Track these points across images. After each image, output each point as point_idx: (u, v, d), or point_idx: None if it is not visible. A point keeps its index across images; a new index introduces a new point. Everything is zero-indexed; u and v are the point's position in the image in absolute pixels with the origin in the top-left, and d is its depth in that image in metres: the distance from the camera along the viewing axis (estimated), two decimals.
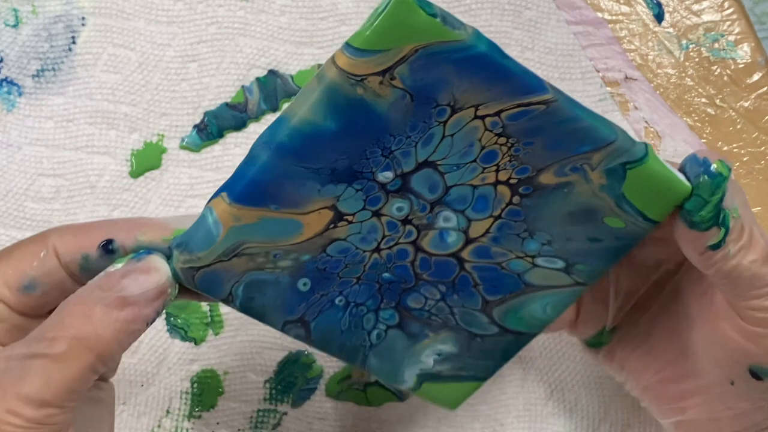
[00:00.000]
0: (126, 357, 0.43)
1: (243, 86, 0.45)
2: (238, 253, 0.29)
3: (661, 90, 0.46)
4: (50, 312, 0.29)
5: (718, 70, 0.46)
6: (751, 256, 0.30)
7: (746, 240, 0.30)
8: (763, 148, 0.46)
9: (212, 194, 0.29)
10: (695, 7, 0.47)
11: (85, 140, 0.43)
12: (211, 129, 0.44)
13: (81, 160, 0.43)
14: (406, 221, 0.29)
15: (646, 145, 0.29)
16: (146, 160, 0.43)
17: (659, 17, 0.47)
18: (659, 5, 0.47)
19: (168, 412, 0.43)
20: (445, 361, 0.32)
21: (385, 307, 0.31)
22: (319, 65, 0.44)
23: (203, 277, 0.29)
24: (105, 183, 0.43)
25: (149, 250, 0.30)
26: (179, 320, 0.43)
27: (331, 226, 0.29)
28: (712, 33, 0.47)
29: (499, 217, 0.29)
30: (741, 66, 0.46)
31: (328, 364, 0.43)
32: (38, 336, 0.28)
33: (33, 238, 0.31)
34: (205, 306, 0.43)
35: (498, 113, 0.27)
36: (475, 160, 0.28)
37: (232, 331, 0.43)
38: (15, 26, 0.44)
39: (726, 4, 0.47)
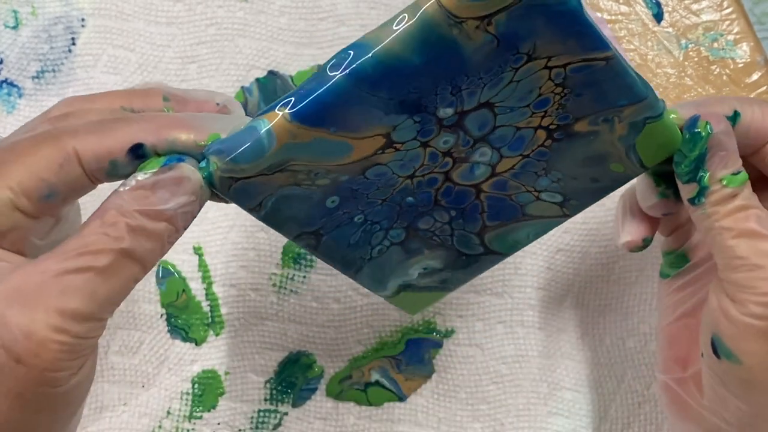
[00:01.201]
0: (126, 358, 0.43)
1: (243, 87, 0.45)
2: (282, 169, 0.29)
3: (661, 90, 0.46)
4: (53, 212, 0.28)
5: (718, 70, 0.47)
6: (725, 224, 0.30)
7: (729, 209, 0.30)
8: None
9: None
10: (694, 7, 0.47)
11: None
12: None
13: None
14: (447, 153, 0.30)
15: (663, 101, 0.31)
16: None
17: (658, 17, 0.47)
18: (658, 5, 0.47)
19: (169, 412, 0.43)
20: (427, 275, 0.33)
21: (397, 227, 0.32)
22: (319, 66, 0.44)
23: (240, 187, 0.29)
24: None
25: (180, 156, 0.29)
26: (180, 321, 0.43)
27: (379, 151, 0.29)
28: (712, 32, 0.47)
29: (527, 156, 0.31)
30: (740, 65, 0.46)
31: (329, 365, 0.43)
32: (76, 249, 0.27)
33: (46, 139, 0.28)
34: (205, 307, 0.43)
35: (565, 65, 0.29)
36: (528, 105, 0.30)
37: (232, 331, 0.43)
38: (15, 28, 0.44)
39: (725, 4, 0.47)
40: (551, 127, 0.30)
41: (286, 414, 0.43)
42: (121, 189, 0.28)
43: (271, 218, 0.30)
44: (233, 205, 0.31)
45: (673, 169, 0.32)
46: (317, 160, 0.29)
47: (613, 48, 0.29)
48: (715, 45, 0.47)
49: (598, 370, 0.44)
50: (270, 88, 0.45)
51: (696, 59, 0.47)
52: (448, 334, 0.44)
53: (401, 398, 0.44)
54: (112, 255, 0.27)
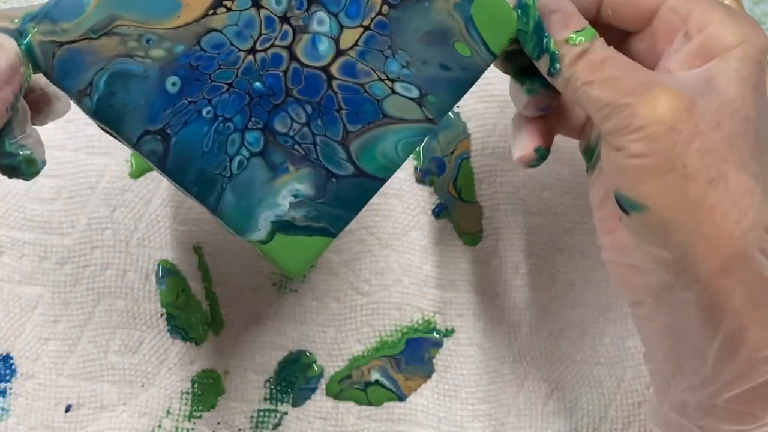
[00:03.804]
0: (126, 357, 0.43)
1: None
2: (108, 32, 0.28)
3: None
4: None
5: None
6: (584, 78, 0.30)
7: (584, 64, 0.30)
8: None
9: None
10: None
11: (85, 141, 0.43)
12: None
13: (81, 161, 0.43)
14: (283, 19, 0.30)
15: None
16: (146, 161, 0.43)
17: None
18: None
19: (168, 412, 0.43)
20: (300, 206, 0.32)
21: (253, 128, 0.31)
22: None
23: (65, 56, 0.27)
24: (105, 184, 0.43)
25: None
26: (180, 321, 0.43)
27: (210, 12, 0.29)
28: None
29: (368, 27, 0.31)
30: None
31: (329, 364, 0.43)
32: None
33: None
34: (205, 306, 0.43)
35: None
36: None
37: (232, 331, 0.43)
38: None
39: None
40: None
41: (285, 413, 0.43)
42: None
43: (107, 107, 0.28)
44: None
45: (528, 58, 0.32)
46: (145, 20, 0.28)
47: None
48: None
49: (598, 370, 0.44)
50: None
51: None
52: (449, 333, 0.44)
53: (401, 398, 0.44)
54: None
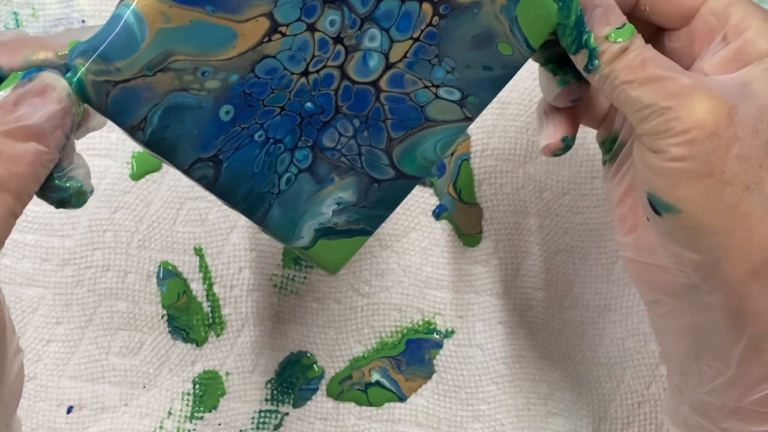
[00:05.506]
0: (127, 359, 0.43)
1: None
2: (164, 68, 0.27)
3: None
4: None
5: None
6: (624, 77, 0.29)
7: (625, 63, 0.29)
8: None
9: None
10: None
11: (86, 143, 0.43)
12: None
13: None
14: (337, 40, 0.30)
15: None
16: (147, 163, 0.43)
17: None
18: None
19: (170, 413, 0.43)
20: (342, 212, 0.32)
21: (302, 146, 0.31)
22: None
23: (119, 95, 0.27)
24: (106, 185, 0.43)
25: (40, 68, 0.26)
26: (181, 322, 0.43)
27: (266, 39, 0.28)
28: None
29: (417, 39, 0.30)
30: None
31: (329, 365, 0.44)
32: None
33: None
34: (206, 308, 0.43)
35: None
36: None
37: (233, 332, 0.43)
38: None
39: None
40: None
41: (286, 414, 0.43)
42: None
43: (160, 140, 0.28)
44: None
45: (563, 47, 0.31)
46: (201, 53, 0.27)
47: None
48: None
49: (597, 370, 0.44)
50: None
51: None
52: (449, 334, 0.44)
53: (402, 398, 0.44)
54: None
